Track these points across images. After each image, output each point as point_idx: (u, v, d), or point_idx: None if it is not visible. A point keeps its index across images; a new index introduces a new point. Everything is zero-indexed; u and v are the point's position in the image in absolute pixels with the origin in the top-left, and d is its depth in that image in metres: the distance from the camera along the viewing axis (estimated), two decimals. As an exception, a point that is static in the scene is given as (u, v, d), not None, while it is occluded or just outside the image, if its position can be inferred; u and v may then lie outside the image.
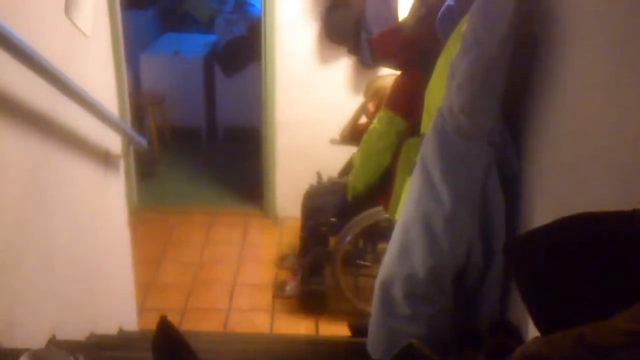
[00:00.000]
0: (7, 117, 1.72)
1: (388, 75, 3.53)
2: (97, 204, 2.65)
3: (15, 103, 1.77)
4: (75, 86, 2.03)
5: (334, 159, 4.14)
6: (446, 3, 2.01)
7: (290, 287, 3.71)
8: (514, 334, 1.75)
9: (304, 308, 3.62)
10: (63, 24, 2.16)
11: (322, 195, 3.65)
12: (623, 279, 0.99)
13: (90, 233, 2.53)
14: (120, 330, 2.88)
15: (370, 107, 3.46)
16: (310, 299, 3.61)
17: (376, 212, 3.30)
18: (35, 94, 1.88)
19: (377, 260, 3.51)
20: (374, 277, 3.63)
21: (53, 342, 2.01)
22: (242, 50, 5.56)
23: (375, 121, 2.56)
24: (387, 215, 3.27)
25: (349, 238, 3.36)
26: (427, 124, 1.95)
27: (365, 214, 3.32)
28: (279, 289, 3.76)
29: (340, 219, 3.37)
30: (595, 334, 0.89)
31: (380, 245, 3.51)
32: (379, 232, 3.43)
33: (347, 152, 3.64)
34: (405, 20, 2.53)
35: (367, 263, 3.52)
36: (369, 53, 3.52)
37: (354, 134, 3.71)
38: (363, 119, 3.61)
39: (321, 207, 3.55)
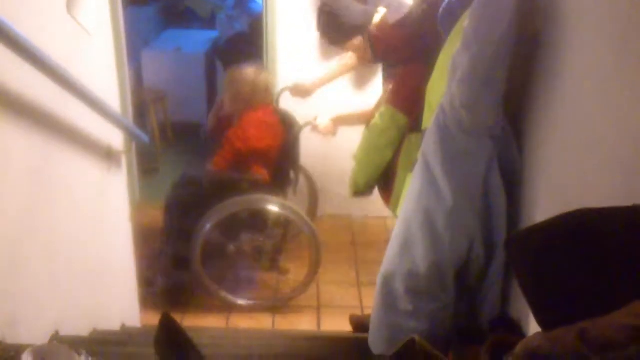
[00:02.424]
0: (10, 113, 1.72)
1: (245, 69, 3.56)
2: (100, 200, 2.66)
3: (18, 100, 1.77)
4: (77, 83, 2.03)
5: (335, 155, 4.14)
6: (447, -1, 2.00)
7: (157, 282, 3.66)
8: (515, 330, 1.75)
9: (167, 302, 3.53)
10: (65, 20, 2.17)
11: (182, 187, 3.66)
12: (624, 274, 0.99)
13: (93, 229, 2.53)
14: (123, 326, 2.88)
15: (226, 99, 3.49)
16: (171, 293, 3.57)
17: (234, 202, 3.32)
18: (38, 90, 1.88)
19: (241, 250, 3.52)
20: (241, 269, 3.62)
21: (56, 338, 2.02)
22: (243, 47, 5.56)
23: (376, 117, 2.56)
24: (249, 205, 3.34)
25: (207, 228, 3.33)
26: (429, 120, 1.96)
27: (223, 205, 3.32)
28: (146, 284, 3.66)
29: (198, 211, 3.35)
30: (596, 329, 0.89)
31: (243, 235, 3.51)
32: (241, 223, 3.43)
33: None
34: (407, 15, 2.53)
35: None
36: (370, 49, 3.52)
37: (217, 127, 3.72)
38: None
39: (180, 200, 3.54)
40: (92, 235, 2.51)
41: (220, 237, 3.48)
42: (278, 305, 3.64)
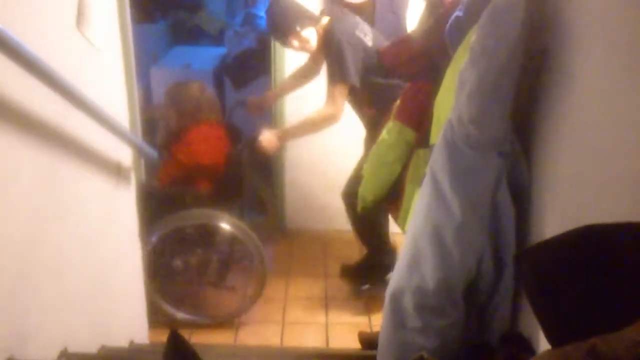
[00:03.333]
0: (20, 130, 1.73)
1: (189, 81, 3.60)
2: (109, 216, 2.66)
3: (28, 116, 1.79)
4: (87, 99, 2.04)
5: (342, 170, 4.13)
6: (455, 14, 2.01)
7: None
8: (525, 346, 1.74)
9: None
10: (75, 37, 2.19)
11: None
12: (634, 290, 0.98)
13: (102, 245, 2.54)
14: (132, 343, 2.88)
15: (172, 115, 3.52)
16: None
17: (178, 217, 3.32)
18: (47, 107, 1.89)
19: (188, 265, 3.49)
20: (189, 283, 3.60)
21: (65, 355, 2.02)
22: (251, 63, 5.58)
23: (384, 132, 2.56)
24: (193, 220, 3.31)
25: (152, 242, 3.31)
26: (437, 135, 1.95)
27: (167, 218, 3.33)
28: None
29: (146, 225, 3.34)
30: (607, 345, 0.88)
31: (190, 250, 3.49)
32: (188, 237, 3.43)
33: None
34: (414, 31, 2.54)
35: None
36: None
37: (166, 142, 3.75)
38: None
39: None
40: (101, 252, 2.52)
41: (167, 251, 3.47)
42: (221, 321, 3.59)
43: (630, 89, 1.24)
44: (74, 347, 2.09)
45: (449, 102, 1.88)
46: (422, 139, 2.31)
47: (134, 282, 3.10)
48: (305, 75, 3.83)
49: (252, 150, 3.56)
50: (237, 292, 3.65)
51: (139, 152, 3.07)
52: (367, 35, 3.30)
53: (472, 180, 1.80)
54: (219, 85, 5.80)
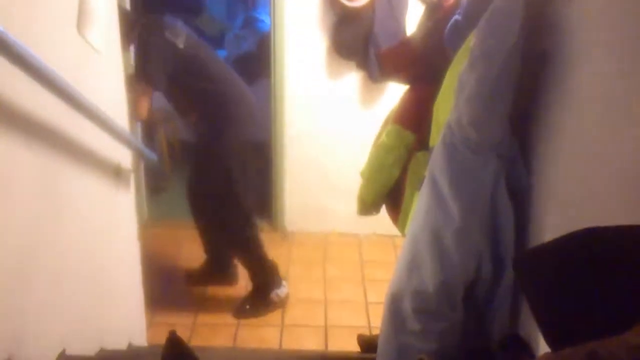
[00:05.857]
0: (19, 132, 1.73)
1: None
2: (108, 219, 2.66)
3: (27, 118, 1.78)
4: (86, 101, 2.04)
5: (343, 173, 4.14)
6: (454, 18, 2.01)
7: None
8: (525, 350, 1.73)
9: None
10: (75, 40, 2.19)
11: None
12: (634, 293, 0.98)
13: (101, 248, 2.53)
14: (130, 345, 2.87)
15: None
16: None
17: None
18: (46, 109, 1.89)
19: None
20: None
21: (63, 357, 2.01)
22: (251, 66, 5.58)
23: (383, 135, 2.56)
24: None
25: None
26: (436, 138, 1.96)
27: None
28: None
29: None
30: (607, 349, 0.88)
31: None
32: None
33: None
34: (413, 34, 2.54)
35: None
36: (378, 67, 3.53)
37: None
38: None
39: None
40: (99, 254, 2.51)
41: None
42: None
43: (630, 92, 1.24)
44: (73, 350, 2.08)
45: (448, 105, 1.89)
46: (421, 142, 2.31)
47: (132, 284, 3.10)
48: None
49: None
50: None
51: (138, 154, 3.07)
52: (180, 37, 3.33)
53: (471, 182, 1.80)
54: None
